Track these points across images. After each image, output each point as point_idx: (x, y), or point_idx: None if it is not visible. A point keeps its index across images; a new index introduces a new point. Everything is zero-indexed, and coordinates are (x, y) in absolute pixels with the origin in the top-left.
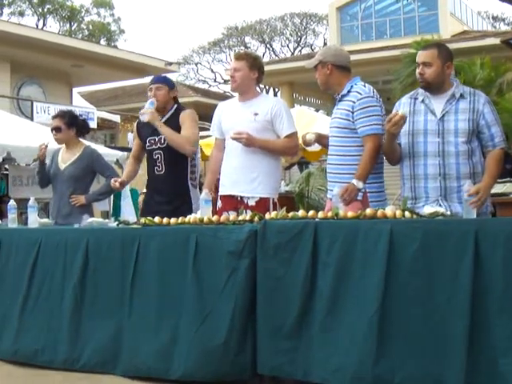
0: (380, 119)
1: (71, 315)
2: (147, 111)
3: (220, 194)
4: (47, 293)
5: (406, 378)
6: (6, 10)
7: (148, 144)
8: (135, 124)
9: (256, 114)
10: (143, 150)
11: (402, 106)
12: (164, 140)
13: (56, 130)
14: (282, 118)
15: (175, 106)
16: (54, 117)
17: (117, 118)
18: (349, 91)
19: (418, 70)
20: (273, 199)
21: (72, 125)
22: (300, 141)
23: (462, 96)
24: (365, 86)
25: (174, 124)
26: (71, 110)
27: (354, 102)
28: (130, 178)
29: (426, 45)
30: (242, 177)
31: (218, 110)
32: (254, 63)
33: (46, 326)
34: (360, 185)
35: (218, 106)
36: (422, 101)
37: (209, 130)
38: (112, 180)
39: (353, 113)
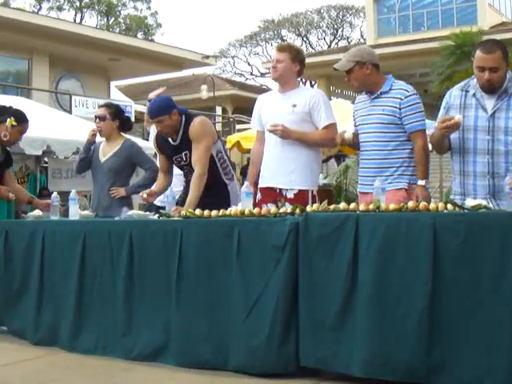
0: (424, 115)
1: (123, 307)
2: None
3: (260, 185)
4: (99, 286)
5: (458, 369)
6: (45, 5)
7: (176, 162)
8: (154, 140)
9: (294, 106)
10: (170, 163)
11: (453, 99)
12: (187, 157)
13: (100, 118)
14: (320, 109)
15: (183, 121)
16: (101, 106)
17: None
18: (390, 88)
19: (485, 77)
20: (312, 191)
21: (116, 117)
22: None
23: None
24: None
25: (187, 142)
26: (119, 104)
27: (400, 99)
28: (162, 190)
29: (487, 46)
30: (281, 169)
31: (257, 103)
32: (296, 56)
33: (102, 318)
34: (426, 183)
35: (258, 99)
36: (474, 95)
37: (246, 123)
38: (141, 193)
39: (400, 109)
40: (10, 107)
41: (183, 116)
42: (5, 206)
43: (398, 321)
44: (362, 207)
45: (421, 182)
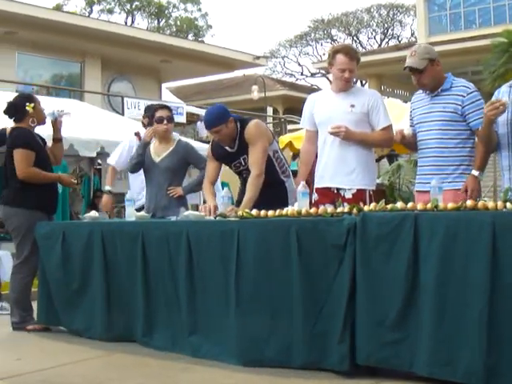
0: None
1: (187, 307)
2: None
3: (316, 186)
4: (162, 286)
5: None
6: (96, 8)
7: (234, 168)
8: (209, 148)
9: (353, 106)
10: (218, 173)
11: (502, 95)
12: (246, 161)
13: (168, 120)
14: (379, 111)
15: (239, 127)
16: (163, 107)
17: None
18: (451, 86)
19: None
20: (369, 191)
21: (173, 119)
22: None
23: None
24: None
25: (244, 147)
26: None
27: (463, 96)
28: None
29: None
30: (341, 169)
31: (309, 102)
32: (359, 59)
33: (169, 318)
34: (480, 175)
35: (310, 98)
36: None
37: (297, 123)
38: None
39: (462, 107)
40: (15, 101)
41: (238, 123)
42: (60, 208)
43: (458, 321)
44: (419, 206)
45: (474, 172)
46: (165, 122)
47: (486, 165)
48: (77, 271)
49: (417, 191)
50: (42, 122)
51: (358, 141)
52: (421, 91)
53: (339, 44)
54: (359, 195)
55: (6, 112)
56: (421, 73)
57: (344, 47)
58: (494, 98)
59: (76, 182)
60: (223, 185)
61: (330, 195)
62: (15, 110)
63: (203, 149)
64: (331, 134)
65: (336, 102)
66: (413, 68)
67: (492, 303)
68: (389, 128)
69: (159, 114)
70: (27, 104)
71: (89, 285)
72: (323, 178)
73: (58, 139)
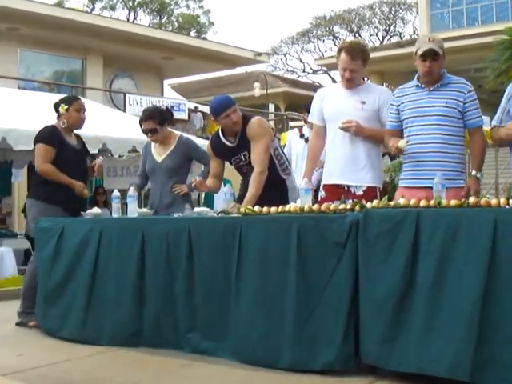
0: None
1: (184, 304)
2: (232, 209)
3: (325, 182)
4: (157, 280)
5: (507, 367)
6: (98, 5)
7: (234, 163)
8: (209, 145)
9: (363, 103)
10: (222, 169)
11: None
12: (247, 157)
13: (152, 132)
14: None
15: (242, 124)
16: (145, 120)
17: (207, 109)
18: (449, 82)
19: None
20: (379, 188)
21: (164, 122)
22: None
23: None
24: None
25: (245, 142)
26: (156, 107)
27: (464, 93)
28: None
29: None
30: (351, 166)
31: (318, 97)
32: (365, 59)
33: (160, 313)
34: (480, 175)
35: (319, 92)
36: None
37: (299, 120)
38: (192, 180)
39: (464, 103)
40: (60, 99)
41: (242, 117)
42: None
43: (454, 317)
44: (422, 203)
45: (474, 173)
46: (149, 135)
47: (483, 163)
48: (63, 267)
49: (408, 187)
50: (74, 126)
51: (368, 137)
52: (408, 86)
53: (347, 41)
54: (370, 192)
55: (54, 108)
56: (436, 60)
57: (348, 46)
58: (507, 93)
59: (87, 194)
60: (225, 182)
61: (339, 192)
62: (55, 108)
63: (205, 145)
64: (342, 129)
65: (346, 98)
66: (434, 51)
67: (486, 300)
68: None
69: (142, 127)
70: (62, 105)
71: (72, 281)
72: (332, 175)
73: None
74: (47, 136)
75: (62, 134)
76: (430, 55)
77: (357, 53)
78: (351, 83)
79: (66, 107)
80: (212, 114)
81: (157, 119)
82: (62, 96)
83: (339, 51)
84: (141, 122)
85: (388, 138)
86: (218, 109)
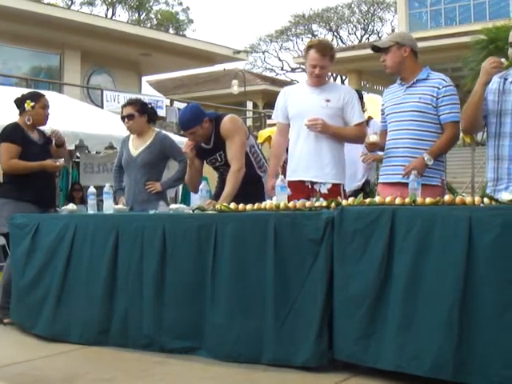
0: (459, 108)
1: (154, 301)
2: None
3: (289, 178)
4: (128, 278)
5: (487, 366)
6: (77, 0)
7: (210, 163)
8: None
9: (328, 101)
10: (202, 167)
11: (491, 84)
12: (222, 157)
13: (129, 117)
14: (354, 106)
15: (214, 124)
16: (125, 105)
17: (183, 106)
18: (427, 77)
19: (510, 50)
20: (342, 185)
21: (144, 112)
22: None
23: None
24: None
25: (221, 142)
26: (140, 98)
27: (438, 88)
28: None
29: None
30: (315, 162)
31: (282, 95)
32: (333, 56)
33: (129, 311)
34: (430, 161)
35: (283, 91)
36: None
37: None
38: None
39: (437, 98)
40: (23, 95)
41: (213, 120)
42: None
43: (429, 315)
44: (397, 201)
45: (425, 156)
46: (126, 120)
47: (441, 155)
48: (37, 264)
49: (384, 183)
50: (39, 123)
51: (332, 135)
52: (394, 85)
53: (315, 39)
54: (335, 190)
55: (15, 104)
56: (386, 54)
57: (318, 43)
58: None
59: (60, 164)
60: (202, 179)
61: (305, 190)
62: (18, 104)
63: (183, 142)
64: (308, 126)
65: (311, 96)
66: (375, 46)
67: (464, 298)
68: (363, 124)
69: (122, 113)
70: (27, 101)
71: (45, 278)
72: (296, 172)
73: (58, 145)
74: (10, 134)
75: (25, 130)
76: (375, 49)
77: (326, 50)
78: (320, 80)
79: (33, 104)
80: (180, 126)
81: (137, 106)
82: (40, 92)
83: (308, 49)
84: (122, 109)
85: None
86: (183, 125)
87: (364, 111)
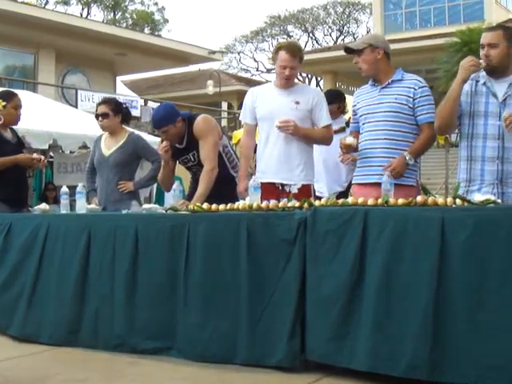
0: (434, 108)
1: (125, 302)
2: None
3: (258, 180)
4: (100, 278)
5: (462, 366)
6: None
7: (183, 163)
8: (160, 143)
9: (297, 103)
10: (174, 166)
11: (464, 87)
12: (195, 157)
13: (103, 116)
14: (322, 108)
15: (187, 124)
16: (100, 103)
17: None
18: (402, 78)
19: (482, 52)
20: (312, 185)
21: (118, 112)
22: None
23: None
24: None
25: (194, 142)
26: (115, 98)
27: (414, 89)
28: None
29: (490, 26)
30: (285, 164)
31: (250, 96)
32: (302, 58)
33: (100, 313)
34: (411, 161)
35: (251, 91)
36: (484, 83)
37: None
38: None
39: (413, 99)
40: None
41: (186, 120)
42: None
43: (403, 315)
44: (370, 202)
45: (407, 155)
46: (100, 119)
47: (421, 155)
48: (10, 264)
49: (359, 184)
50: (10, 123)
51: (302, 136)
52: (366, 85)
53: (284, 41)
54: (305, 190)
55: None
56: (359, 56)
57: (287, 44)
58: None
59: (38, 158)
60: (175, 179)
61: (276, 192)
62: None
63: (157, 142)
64: (279, 128)
65: (280, 97)
66: (348, 48)
67: (438, 298)
68: (330, 126)
69: (97, 111)
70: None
71: (18, 278)
72: (266, 173)
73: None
74: None
75: None
76: (348, 51)
77: (296, 51)
78: (290, 81)
79: (4, 104)
80: (152, 125)
81: (112, 105)
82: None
83: (277, 50)
84: (97, 107)
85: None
86: (156, 123)
87: (346, 112)
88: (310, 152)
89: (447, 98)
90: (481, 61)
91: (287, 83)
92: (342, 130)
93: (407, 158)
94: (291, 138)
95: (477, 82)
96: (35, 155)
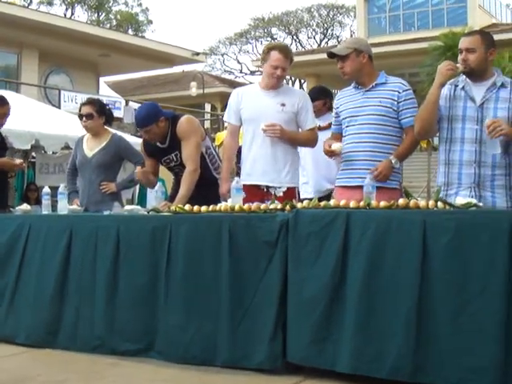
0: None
1: (106, 303)
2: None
3: (243, 182)
4: (80, 279)
5: (444, 368)
6: None
7: (165, 164)
8: (142, 145)
9: (283, 105)
10: (158, 167)
11: (442, 91)
12: (178, 157)
13: (87, 116)
14: (308, 111)
15: (170, 124)
16: (85, 104)
17: None
18: (385, 81)
19: (460, 57)
20: (297, 188)
21: (102, 113)
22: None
23: (503, 85)
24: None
25: (176, 142)
26: (99, 99)
27: (399, 92)
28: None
29: (468, 31)
30: (271, 167)
31: (235, 97)
32: (292, 59)
33: (80, 314)
34: (397, 164)
35: (236, 92)
36: (463, 88)
37: None
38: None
39: (398, 102)
40: None
41: (169, 120)
42: None
43: (385, 318)
44: (352, 204)
45: (393, 159)
46: (84, 119)
47: (406, 158)
48: None
49: (342, 186)
50: None
51: (287, 139)
52: (349, 87)
53: (276, 42)
54: (290, 193)
55: None
56: (344, 61)
57: (280, 45)
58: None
59: (20, 163)
60: (158, 181)
61: (260, 194)
62: None
63: (139, 143)
64: (265, 131)
65: (266, 99)
66: (333, 54)
67: (420, 301)
68: (315, 129)
69: (81, 111)
70: None
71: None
72: (251, 176)
73: None
74: None
75: None
76: (332, 56)
77: (288, 52)
78: (279, 82)
79: None
80: (135, 124)
81: (96, 106)
82: None
83: (269, 50)
84: (81, 107)
85: (327, 140)
86: (139, 122)
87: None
88: (295, 154)
89: (426, 103)
90: (458, 65)
91: (277, 83)
92: (330, 126)
93: (393, 161)
94: (277, 140)
95: (456, 86)
96: (17, 161)
